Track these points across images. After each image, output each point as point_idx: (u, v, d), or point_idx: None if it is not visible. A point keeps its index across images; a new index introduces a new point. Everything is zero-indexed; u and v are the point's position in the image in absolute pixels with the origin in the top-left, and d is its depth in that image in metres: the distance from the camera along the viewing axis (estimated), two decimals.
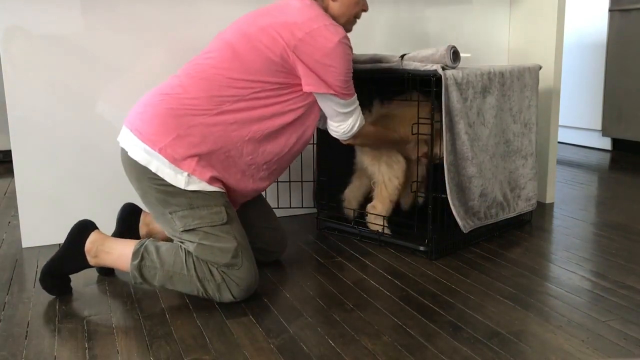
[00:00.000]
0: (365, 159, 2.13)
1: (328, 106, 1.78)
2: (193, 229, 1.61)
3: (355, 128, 1.83)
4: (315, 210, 2.48)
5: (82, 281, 1.81)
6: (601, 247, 2.07)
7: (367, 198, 2.21)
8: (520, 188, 2.27)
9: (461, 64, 2.08)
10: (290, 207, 2.50)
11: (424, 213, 2.00)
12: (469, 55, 2.77)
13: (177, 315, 1.59)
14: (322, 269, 1.91)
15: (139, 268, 1.63)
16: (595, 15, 3.82)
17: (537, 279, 1.80)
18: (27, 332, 1.50)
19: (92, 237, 1.71)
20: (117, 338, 1.46)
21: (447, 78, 1.88)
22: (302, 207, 2.52)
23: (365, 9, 1.89)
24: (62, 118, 2.11)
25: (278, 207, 2.46)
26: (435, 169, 1.96)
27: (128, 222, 1.92)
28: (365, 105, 2.03)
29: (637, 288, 1.72)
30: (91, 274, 1.86)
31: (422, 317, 1.55)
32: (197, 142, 1.62)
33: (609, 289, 1.72)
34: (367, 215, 2.15)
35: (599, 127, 3.88)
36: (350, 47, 1.73)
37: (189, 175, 1.60)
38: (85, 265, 1.71)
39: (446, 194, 1.96)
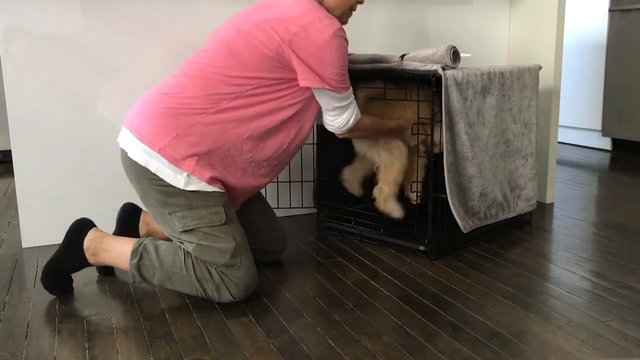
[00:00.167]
0: (362, 147, 2.11)
1: (324, 100, 1.77)
2: (192, 230, 1.61)
3: (351, 122, 1.83)
4: (315, 210, 2.48)
5: (82, 281, 1.81)
6: (601, 247, 2.07)
7: (368, 180, 2.18)
8: (520, 188, 2.27)
9: (461, 64, 2.08)
10: (290, 207, 2.50)
11: (424, 213, 1.99)
12: (469, 55, 2.77)
13: (177, 315, 1.59)
14: (322, 269, 1.91)
15: (138, 267, 1.63)
16: (595, 15, 3.81)
17: (537, 279, 1.79)
18: (27, 332, 1.50)
19: (91, 235, 1.71)
20: (117, 338, 1.46)
21: (447, 78, 1.88)
22: (302, 207, 2.52)
23: (360, 1, 1.86)
24: (62, 118, 2.11)
25: (278, 207, 2.46)
26: (435, 165, 1.96)
27: (128, 222, 1.92)
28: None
29: (637, 288, 1.72)
30: (91, 274, 1.86)
31: (422, 317, 1.55)
32: (196, 142, 1.62)
33: (609, 289, 1.72)
34: (375, 201, 2.10)
35: (599, 127, 3.87)
36: (346, 40, 1.71)
37: (188, 175, 1.60)
38: (85, 263, 1.71)
39: (446, 194, 1.96)
